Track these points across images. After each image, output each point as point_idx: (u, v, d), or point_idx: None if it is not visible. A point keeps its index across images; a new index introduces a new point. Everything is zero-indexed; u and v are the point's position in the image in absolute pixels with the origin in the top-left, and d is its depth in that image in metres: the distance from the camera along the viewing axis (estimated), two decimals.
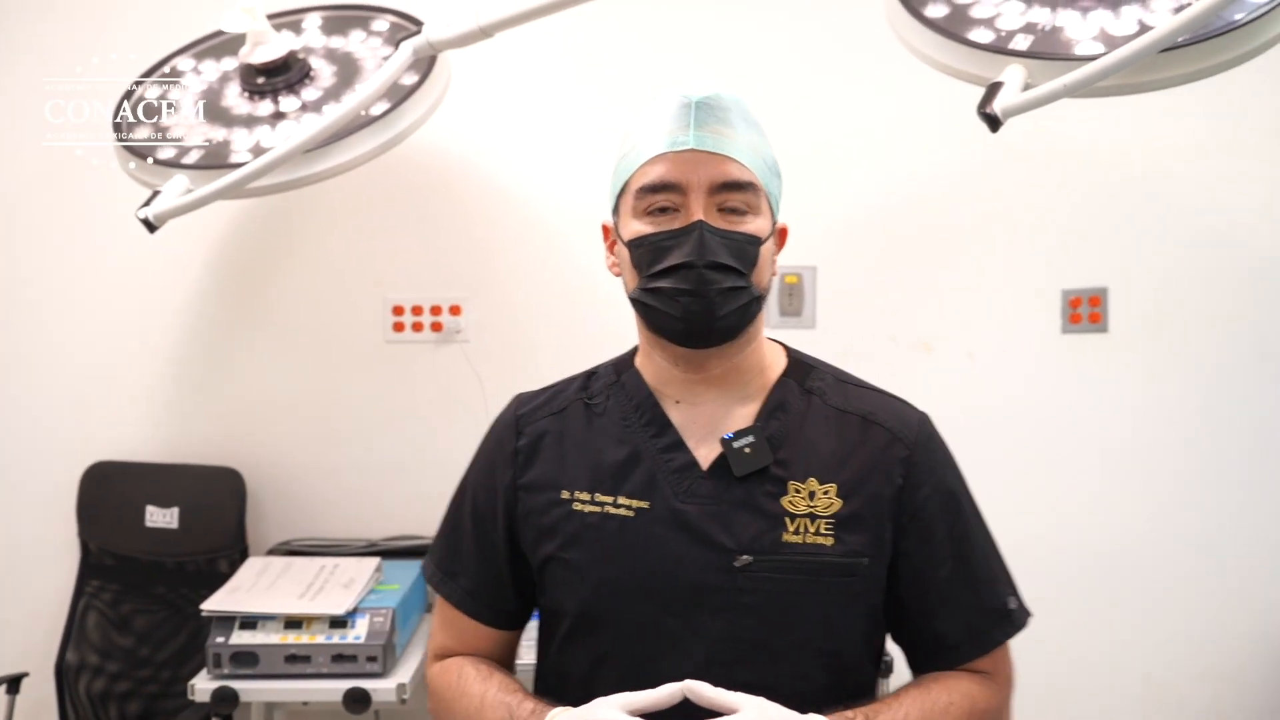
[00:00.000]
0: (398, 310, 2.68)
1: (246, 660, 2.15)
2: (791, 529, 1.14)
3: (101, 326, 2.72)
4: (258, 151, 2.07)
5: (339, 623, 2.18)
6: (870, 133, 2.66)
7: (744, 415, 1.20)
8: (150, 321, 2.72)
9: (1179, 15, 1.45)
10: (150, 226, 2.03)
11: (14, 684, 2.54)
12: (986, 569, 1.23)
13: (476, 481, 1.27)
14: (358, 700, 2.12)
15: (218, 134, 2.16)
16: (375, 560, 2.40)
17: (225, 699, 2.12)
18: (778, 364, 1.25)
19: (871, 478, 1.18)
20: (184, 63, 2.34)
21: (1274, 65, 1.85)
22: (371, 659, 2.16)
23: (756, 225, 1.16)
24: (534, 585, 1.25)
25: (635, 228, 1.16)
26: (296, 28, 2.34)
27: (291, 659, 2.15)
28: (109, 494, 2.68)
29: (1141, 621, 2.68)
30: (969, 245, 2.67)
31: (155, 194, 2.07)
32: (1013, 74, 1.61)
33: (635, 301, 1.18)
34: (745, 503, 1.15)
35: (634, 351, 1.28)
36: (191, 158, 2.13)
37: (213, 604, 2.22)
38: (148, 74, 2.32)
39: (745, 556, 1.13)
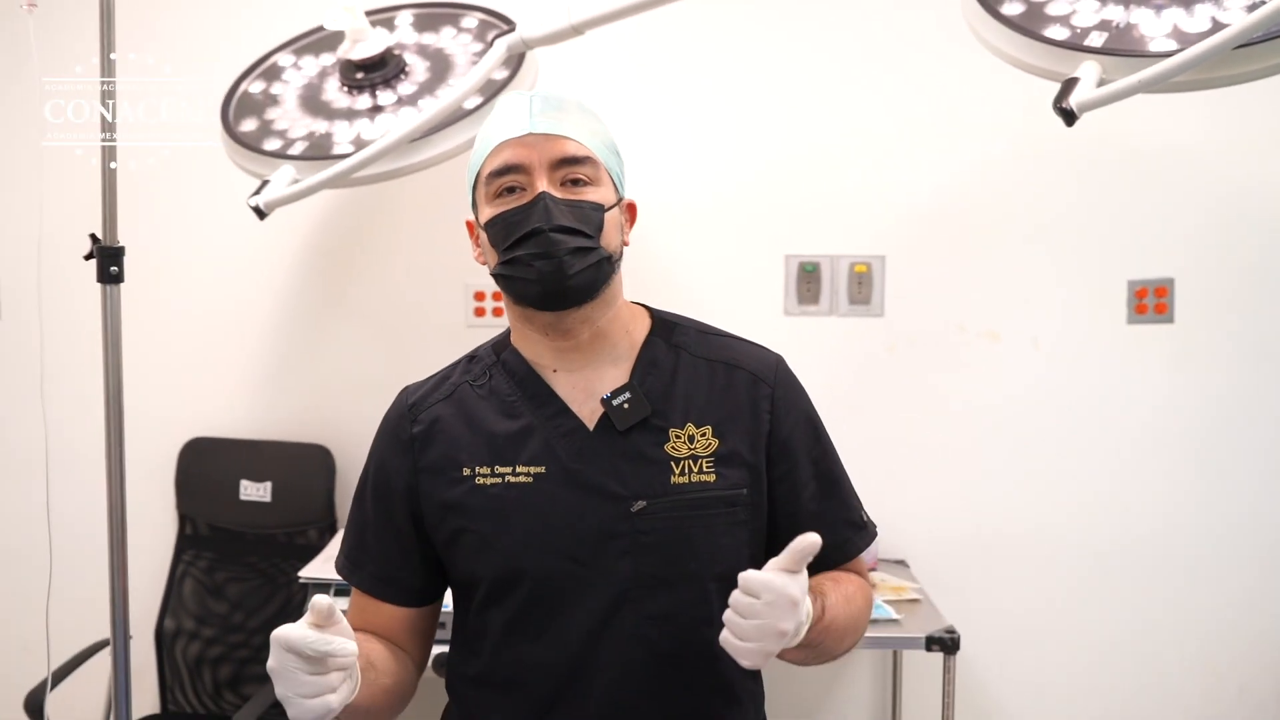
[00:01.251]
0: (478, 296, 2.79)
1: None
2: (677, 471, 1.25)
3: (200, 310, 2.86)
4: (359, 143, 2.18)
5: None
6: (938, 125, 2.72)
7: (618, 375, 1.29)
8: (246, 306, 2.86)
9: (1253, 14, 1.51)
10: (260, 214, 2.15)
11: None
12: (843, 488, 1.36)
13: (376, 474, 1.34)
14: (445, 664, 2.23)
15: (320, 126, 2.28)
16: None
17: None
18: (643, 325, 1.34)
19: (741, 416, 1.29)
20: (285, 59, 2.46)
21: None
22: None
23: (599, 195, 1.26)
24: (440, 563, 1.33)
25: (488, 212, 1.26)
26: (390, 24, 2.46)
27: None
28: (206, 468, 2.82)
29: (1199, 604, 2.74)
30: (1036, 235, 2.72)
31: (264, 183, 2.19)
32: (1088, 70, 1.68)
33: (497, 277, 1.27)
34: (632, 454, 1.26)
35: (508, 332, 1.37)
36: (297, 149, 2.25)
37: (310, 571, 2.35)
38: (251, 69, 2.45)
39: (640, 501, 1.24)
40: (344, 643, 1.04)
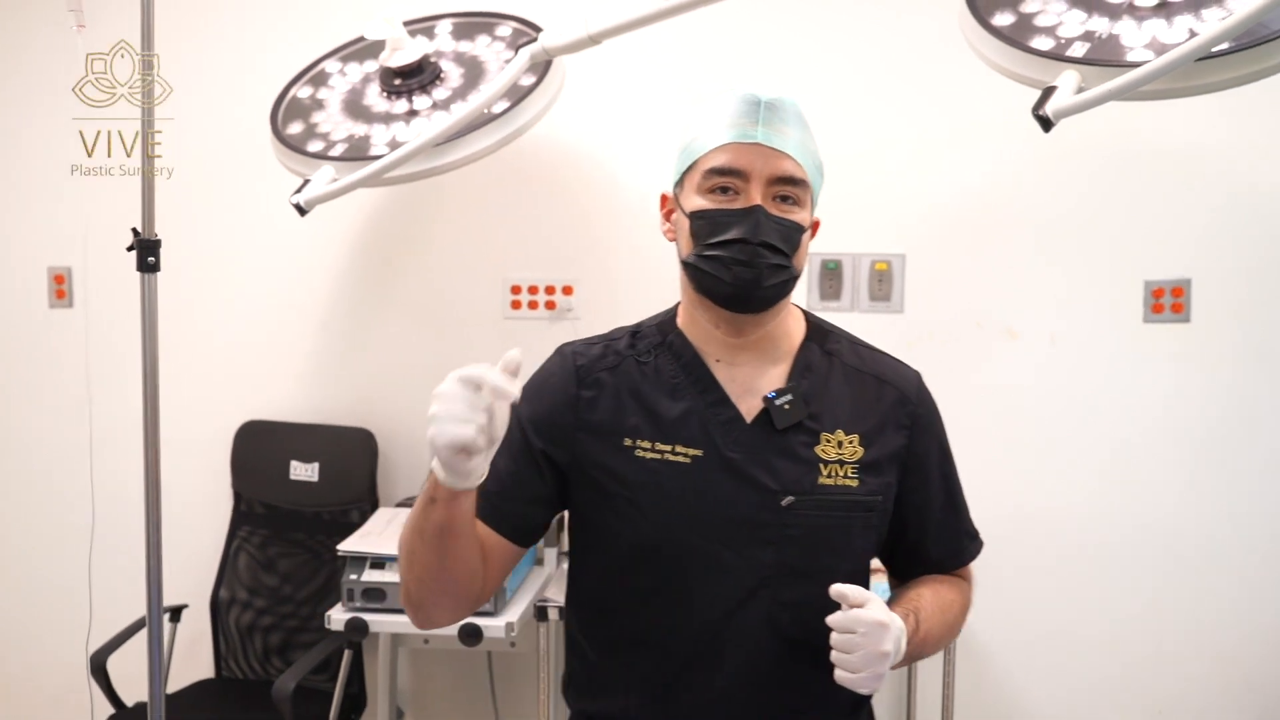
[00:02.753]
0: (515, 289, 2.94)
1: (375, 596, 2.42)
2: (825, 473, 1.34)
3: (254, 300, 3.05)
4: (394, 145, 2.34)
5: None
6: (956, 130, 2.80)
7: (777, 375, 1.38)
8: (296, 297, 3.04)
9: (1215, 26, 1.58)
10: (301, 211, 2.32)
11: (175, 614, 2.89)
12: (962, 503, 1.48)
13: (533, 416, 1.37)
14: (471, 635, 2.38)
15: (360, 130, 2.44)
16: None
17: (357, 628, 2.40)
18: (800, 328, 1.43)
19: (885, 429, 1.38)
20: (331, 65, 2.62)
21: None
22: None
23: (802, 216, 1.35)
24: (551, 518, 1.40)
25: (698, 202, 1.33)
26: (430, 33, 2.61)
27: None
28: (258, 450, 3.01)
29: (1217, 601, 2.78)
30: (1054, 235, 2.79)
31: (306, 182, 2.35)
32: (1066, 79, 1.76)
33: (689, 265, 1.35)
34: (785, 451, 1.34)
35: (674, 314, 1.44)
36: (337, 150, 2.41)
37: (348, 545, 2.50)
38: (301, 75, 2.62)
39: (790, 497, 1.33)
40: (514, 392, 1.11)
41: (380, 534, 2.58)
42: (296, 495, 2.96)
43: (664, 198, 1.41)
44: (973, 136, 2.79)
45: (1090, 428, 2.79)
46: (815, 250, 2.87)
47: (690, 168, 1.36)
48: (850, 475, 1.34)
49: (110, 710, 2.70)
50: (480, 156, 2.35)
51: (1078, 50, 1.82)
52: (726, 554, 1.32)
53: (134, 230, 1.92)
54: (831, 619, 1.21)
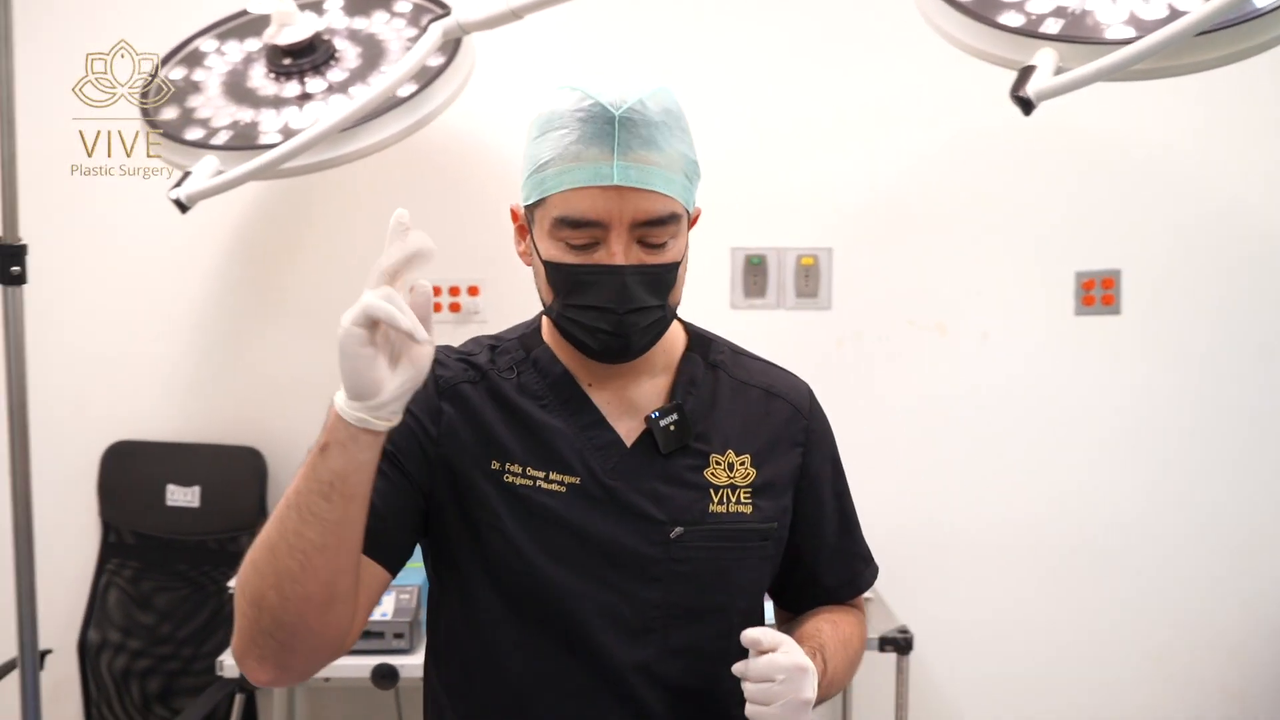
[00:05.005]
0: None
1: None
2: (716, 500, 1.20)
3: (121, 306, 2.74)
4: (287, 133, 2.09)
5: None
6: (882, 117, 2.68)
7: (656, 391, 1.22)
8: (170, 302, 2.74)
9: (1213, 1, 1.47)
10: (182, 207, 2.05)
11: (40, 659, 2.56)
12: (856, 525, 1.35)
13: (400, 431, 1.13)
14: (385, 676, 2.15)
15: (245, 115, 2.18)
16: None
17: None
18: (680, 339, 1.27)
19: (778, 448, 1.25)
20: (207, 44, 2.35)
21: (1276, 54, 1.87)
22: (399, 635, 2.19)
23: (674, 250, 1.16)
24: (418, 536, 1.21)
25: (551, 250, 1.14)
26: (319, 8, 2.35)
27: None
28: (130, 473, 2.71)
29: (1149, 598, 2.73)
30: (985, 228, 2.69)
31: (186, 175, 2.08)
32: (1045, 58, 1.63)
33: (551, 314, 1.18)
34: (671, 477, 1.19)
35: (537, 325, 1.27)
36: (220, 139, 2.14)
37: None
38: (171, 55, 2.33)
39: (679, 528, 1.18)
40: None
41: None
42: (175, 522, 2.67)
43: (513, 212, 1.20)
44: (898, 126, 2.68)
45: (1024, 424, 2.71)
46: (740, 244, 2.80)
47: (539, 203, 1.14)
48: (743, 501, 1.21)
49: None
50: (385, 145, 2.12)
51: (1051, 27, 1.69)
52: (608, 596, 1.17)
53: None
54: (742, 667, 1.10)
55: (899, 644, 2.16)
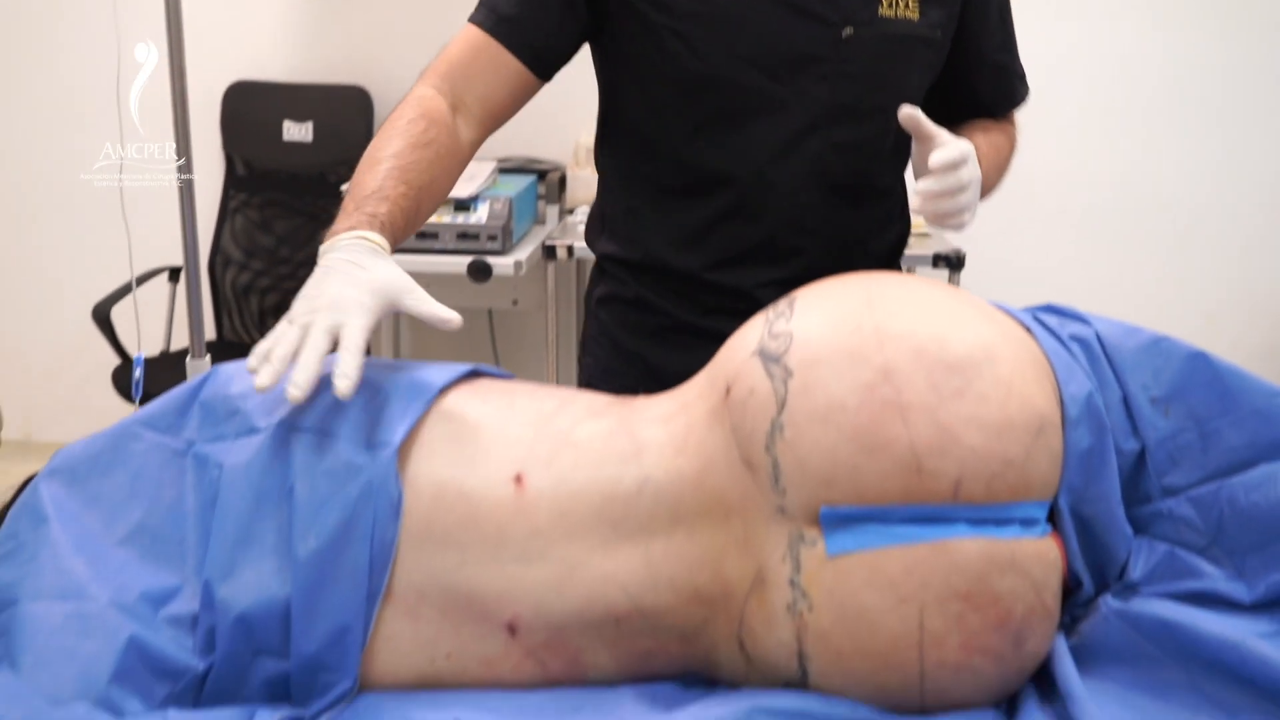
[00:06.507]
0: None
1: None
2: (885, 3, 1.23)
3: None
4: None
5: (463, 206, 2.43)
6: None
7: None
8: None
9: None
10: None
11: (174, 274, 2.86)
12: (1014, 43, 1.39)
13: None
14: (481, 270, 2.38)
15: None
16: (492, 163, 2.62)
17: None
18: None
19: None
20: None
21: None
22: (492, 238, 2.41)
23: None
24: (575, 51, 1.27)
25: None
26: None
27: (420, 235, 2.35)
28: (250, 110, 2.93)
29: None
30: None
31: None
32: None
33: None
34: None
35: None
36: None
37: None
38: None
39: (849, 28, 1.23)
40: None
41: None
42: (291, 157, 2.91)
43: None
44: None
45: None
46: None
47: None
48: (911, 6, 1.25)
49: (116, 362, 2.70)
50: None
51: None
52: (778, 90, 1.23)
53: None
54: (935, 157, 1.13)
55: (950, 260, 2.31)
